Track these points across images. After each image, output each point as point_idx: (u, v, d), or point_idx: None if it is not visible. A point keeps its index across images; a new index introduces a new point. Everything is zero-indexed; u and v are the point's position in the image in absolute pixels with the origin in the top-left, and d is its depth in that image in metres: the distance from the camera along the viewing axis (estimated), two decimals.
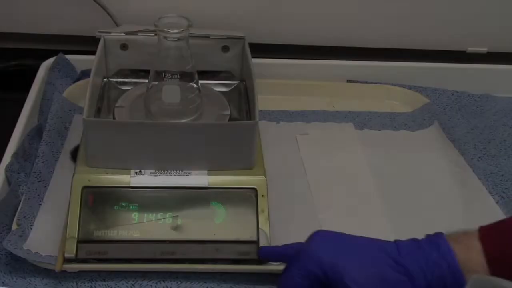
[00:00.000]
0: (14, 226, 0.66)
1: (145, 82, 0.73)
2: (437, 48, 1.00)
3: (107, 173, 0.66)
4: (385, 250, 0.56)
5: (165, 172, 0.66)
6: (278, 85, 0.89)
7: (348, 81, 0.92)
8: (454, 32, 0.98)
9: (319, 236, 0.59)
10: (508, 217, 0.57)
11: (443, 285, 0.54)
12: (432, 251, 0.55)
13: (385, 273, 0.54)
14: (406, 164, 0.80)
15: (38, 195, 0.70)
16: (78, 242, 0.63)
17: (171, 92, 0.69)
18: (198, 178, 0.66)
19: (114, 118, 0.71)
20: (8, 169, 0.70)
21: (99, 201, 0.64)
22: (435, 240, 0.56)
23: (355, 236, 0.58)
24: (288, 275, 0.58)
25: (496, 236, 0.55)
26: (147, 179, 0.66)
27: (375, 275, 0.54)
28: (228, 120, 0.72)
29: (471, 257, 0.54)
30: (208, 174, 0.66)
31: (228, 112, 0.73)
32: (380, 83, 0.92)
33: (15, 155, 0.72)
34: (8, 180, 0.70)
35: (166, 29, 0.66)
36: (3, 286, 0.62)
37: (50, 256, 0.64)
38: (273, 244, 0.64)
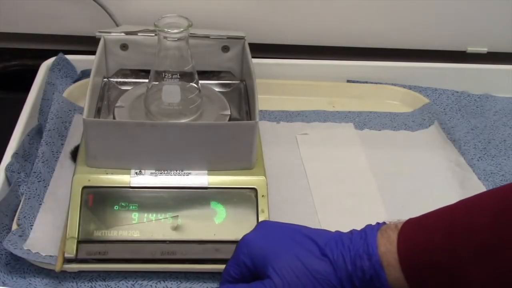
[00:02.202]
0: (14, 226, 0.66)
1: (145, 82, 0.73)
2: (437, 48, 1.00)
3: (107, 173, 0.66)
4: (315, 241, 0.56)
5: (165, 172, 0.66)
6: (278, 85, 0.89)
7: (348, 81, 0.92)
8: (454, 32, 0.98)
9: (257, 227, 0.60)
10: (431, 211, 0.55)
11: (365, 277, 0.54)
12: (358, 242, 0.55)
13: (309, 264, 0.55)
14: (406, 164, 0.80)
15: (38, 195, 0.70)
16: (78, 242, 0.63)
17: (171, 92, 0.69)
18: (198, 178, 0.66)
19: (114, 118, 0.71)
20: (8, 169, 0.70)
21: (99, 201, 0.64)
22: (366, 232, 0.56)
23: (294, 227, 0.59)
24: (226, 265, 0.59)
25: (407, 232, 0.54)
26: (147, 179, 0.66)
27: (299, 266, 0.55)
28: (228, 120, 0.72)
29: (391, 250, 0.54)
30: (208, 174, 0.66)
31: (228, 112, 0.73)
32: (380, 83, 0.92)
33: (15, 155, 0.72)
34: (8, 180, 0.70)
35: (166, 29, 0.66)
36: (3, 286, 0.62)
37: (50, 256, 0.64)
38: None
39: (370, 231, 0.56)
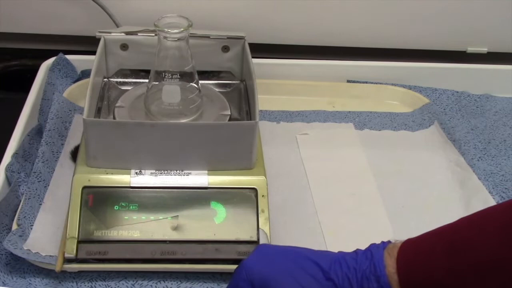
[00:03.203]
0: (14, 226, 0.66)
1: (145, 82, 0.73)
2: (437, 48, 1.00)
3: (107, 173, 0.66)
4: (318, 264, 0.54)
5: (165, 172, 0.66)
6: (278, 85, 0.90)
7: (348, 81, 0.92)
8: (454, 32, 0.98)
9: (256, 251, 0.57)
10: (427, 232, 0.54)
11: None
12: (364, 264, 0.53)
13: None
14: (406, 164, 0.80)
15: (38, 195, 0.70)
16: (78, 242, 0.63)
17: (171, 92, 0.69)
18: (198, 178, 0.66)
19: (114, 118, 0.71)
20: (8, 169, 0.70)
21: (99, 201, 0.64)
22: (372, 252, 0.54)
23: (295, 250, 0.57)
24: None
25: (407, 251, 0.53)
26: (147, 179, 0.66)
27: None
28: (228, 120, 0.72)
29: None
30: (208, 174, 0.66)
31: (228, 112, 0.73)
32: (380, 83, 0.92)
33: (15, 155, 0.72)
34: (8, 180, 0.70)
35: (166, 29, 0.66)
36: (3, 286, 0.62)
37: (50, 256, 0.64)
38: (273, 244, 0.64)
39: (376, 251, 0.54)
